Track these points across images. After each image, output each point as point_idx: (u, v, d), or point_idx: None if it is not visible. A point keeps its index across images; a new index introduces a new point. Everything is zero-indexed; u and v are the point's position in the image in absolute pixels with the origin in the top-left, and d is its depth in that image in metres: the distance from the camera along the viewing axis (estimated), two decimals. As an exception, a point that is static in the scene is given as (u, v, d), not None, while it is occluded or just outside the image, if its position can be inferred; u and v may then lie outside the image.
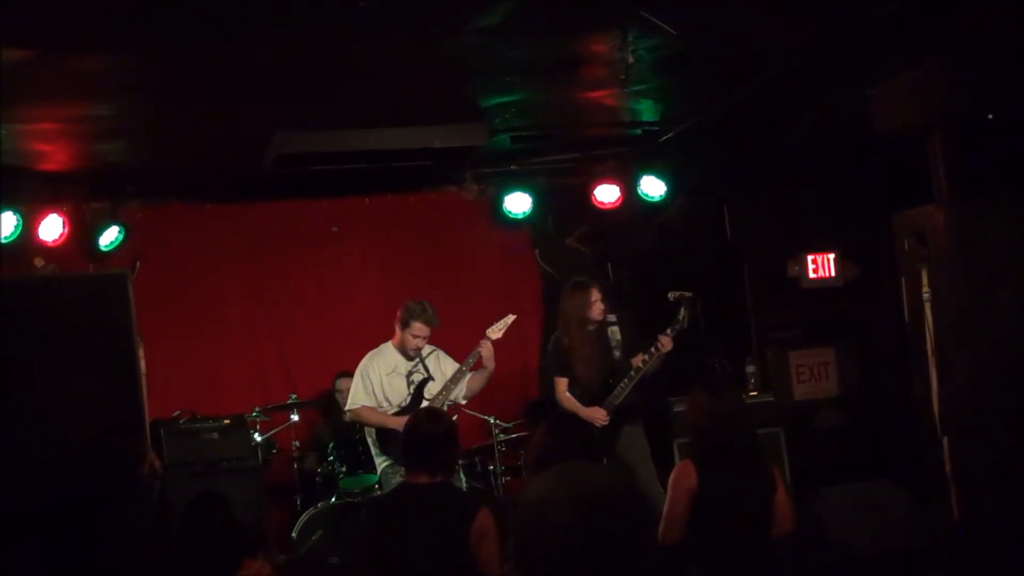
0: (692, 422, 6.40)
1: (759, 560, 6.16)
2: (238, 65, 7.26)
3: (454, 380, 9.02)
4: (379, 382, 9.08)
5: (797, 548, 7.45)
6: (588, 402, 8.98)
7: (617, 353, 9.08)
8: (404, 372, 9.11)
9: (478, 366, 9.11)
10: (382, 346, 9.25)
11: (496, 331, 9.11)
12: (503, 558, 5.70)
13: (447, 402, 8.98)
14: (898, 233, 10.14)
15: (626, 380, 8.88)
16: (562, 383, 9.14)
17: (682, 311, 8.77)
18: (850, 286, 11.06)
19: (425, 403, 8.91)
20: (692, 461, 6.21)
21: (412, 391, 9.07)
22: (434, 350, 9.21)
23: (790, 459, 9.50)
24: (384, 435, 9.01)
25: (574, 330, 9.08)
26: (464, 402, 9.31)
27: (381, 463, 9.11)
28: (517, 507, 2.53)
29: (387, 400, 9.08)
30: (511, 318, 9.22)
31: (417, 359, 9.10)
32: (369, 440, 9.25)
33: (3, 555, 6.91)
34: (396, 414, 8.95)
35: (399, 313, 9.08)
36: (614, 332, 9.12)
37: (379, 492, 9.04)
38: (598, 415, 8.91)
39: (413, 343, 9.00)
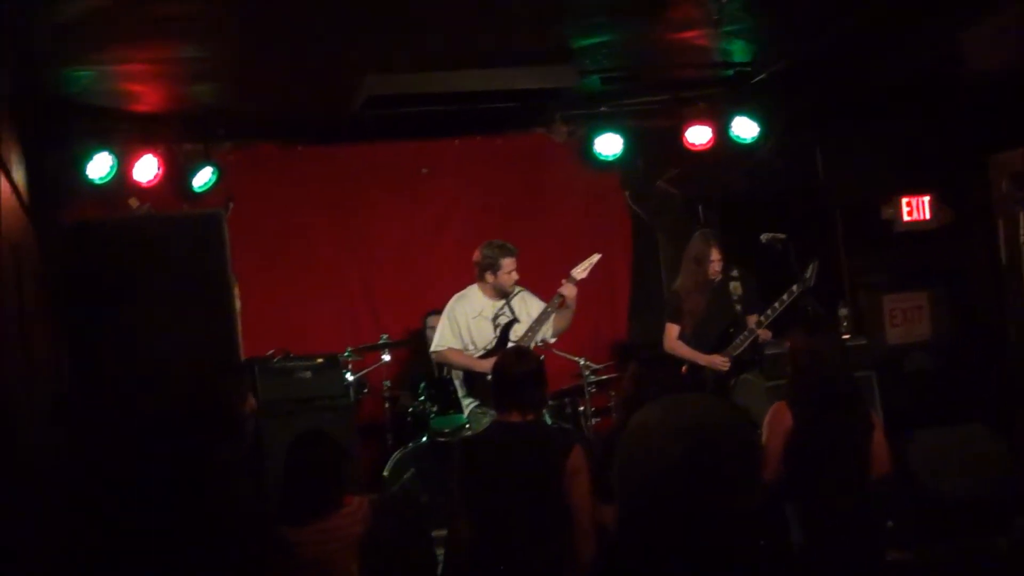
0: (791, 363, 6.37)
1: (854, 501, 6.14)
2: (328, 7, 7.27)
3: (539, 320, 9.02)
4: (465, 325, 9.12)
5: (890, 490, 7.43)
6: (704, 351, 9.00)
7: (738, 307, 9.09)
8: (490, 315, 9.13)
9: (563, 306, 9.10)
10: (467, 289, 9.27)
11: (581, 271, 9.08)
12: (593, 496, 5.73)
13: (535, 342, 8.99)
14: (994, 175, 10.02)
15: (746, 333, 8.91)
16: (674, 330, 9.16)
17: (810, 268, 8.74)
18: (945, 229, 10.91)
19: (511, 345, 8.93)
20: (787, 403, 6.19)
21: (498, 334, 9.10)
22: (520, 291, 9.21)
23: (883, 402, 9.41)
24: (471, 377, 9.06)
25: (690, 280, 9.09)
26: (553, 341, 9.31)
27: (468, 404, 9.16)
28: (622, 436, 2.52)
29: (473, 343, 9.11)
30: (596, 257, 9.18)
31: (503, 302, 9.11)
32: (456, 382, 9.30)
33: (109, 496, 7.04)
34: (482, 356, 8.99)
35: (478, 260, 9.09)
36: (736, 287, 9.13)
37: (468, 432, 9.08)
38: (718, 361, 8.94)
39: (510, 279, 9.02)
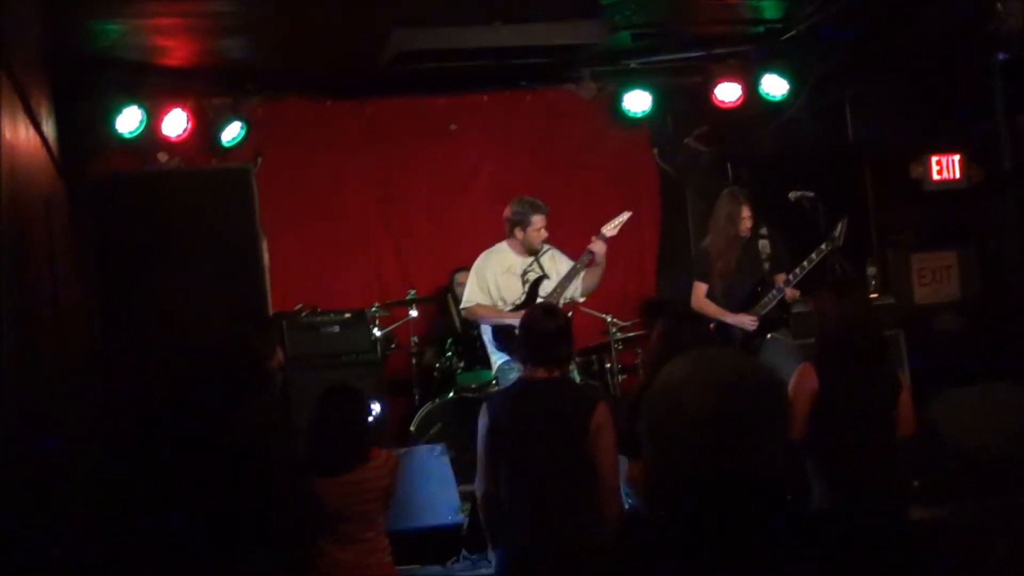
0: (819, 322, 6.36)
1: (880, 461, 6.13)
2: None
3: (568, 277, 9.01)
4: (494, 281, 9.12)
5: (917, 450, 7.42)
6: (732, 309, 8.99)
7: (766, 265, 9.06)
8: (519, 272, 9.12)
9: (591, 263, 9.09)
10: (497, 245, 9.26)
11: (611, 228, 9.06)
12: (618, 452, 5.74)
13: (563, 299, 8.99)
14: (1025, 135, 9.93)
15: (774, 292, 8.89)
16: (701, 288, 9.13)
17: (839, 226, 8.69)
18: (974, 188, 10.85)
19: (539, 301, 8.93)
20: (812, 363, 6.18)
21: (527, 290, 9.09)
22: (549, 248, 9.21)
23: (910, 362, 9.40)
24: (499, 331, 9.06)
25: (720, 238, 9.06)
26: (582, 299, 9.31)
27: (497, 360, 9.17)
28: (651, 391, 2.52)
29: (502, 299, 9.11)
30: (626, 215, 9.16)
31: (532, 258, 9.11)
32: (485, 338, 9.31)
33: (139, 446, 7.09)
34: (510, 312, 8.99)
35: (508, 216, 9.06)
36: (764, 246, 9.09)
37: (496, 387, 9.10)
38: (746, 320, 8.93)
39: (539, 236, 9.01)
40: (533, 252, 9.09)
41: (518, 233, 9.05)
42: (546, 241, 9.12)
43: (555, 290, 8.99)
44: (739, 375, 2.45)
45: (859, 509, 5.99)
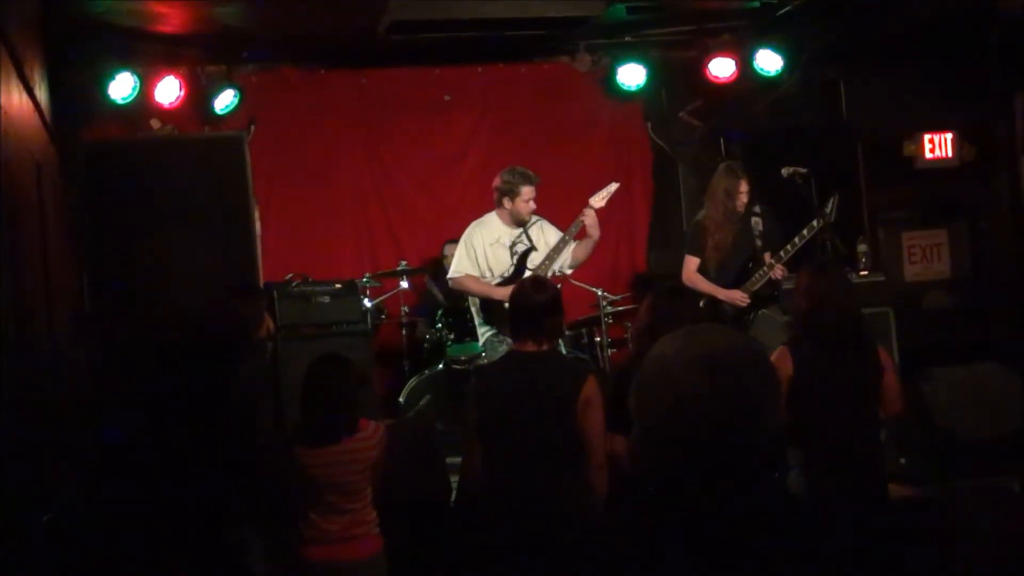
0: (793, 304, 6.38)
1: (858, 442, 6.15)
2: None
3: (557, 249, 9.00)
4: (483, 252, 9.10)
5: (904, 429, 7.46)
6: (724, 285, 8.99)
7: (759, 243, 9.05)
8: (507, 243, 9.11)
9: (582, 235, 9.08)
10: (486, 216, 9.25)
11: (599, 199, 9.04)
12: (606, 427, 5.75)
13: (552, 271, 8.99)
14: (1019, 113, 9.93)
15: (764, 269, 8.88)
16: (693, 262, 9.09)
17: (831, 202, 8.68)
18: (966, 167, 10.87)
19: (528, 273, 8.94)
20: (787, 347, 6.19)
21: (515, 261, 9.08)
22: (538, 220, 9.19)
23: (899, 340, 9.42)
24: (487, 305, 9.07)
25: (718, 213, 9.04)
26: (570, 272, 9.30)
27: (484, 333, 9.17)
28: (641, 365, 2.52)
29: (490, 270, 9.10)
30: (614, 186, 9.15)
31: (521, 230, 9.10)
32: (473, 309, 9.31)
33: (126, 414, 7.10)
34: (499, 284, 8.99)
35: (498, 186, 9.04)
36: (757, 223, 9.08)
37: (484, 360, 9.11)
38: (737, 296, 8.92)
39: (527, 207, 8.98)
40: (521, 223, 9.07)
41: (506, 203, 9.03)
42: (535, 212, 9.11)
43: (544, 262, 8.98)
44: (730, 351, 2.45)
45: (834, 491, 6.01)
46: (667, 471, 2.47)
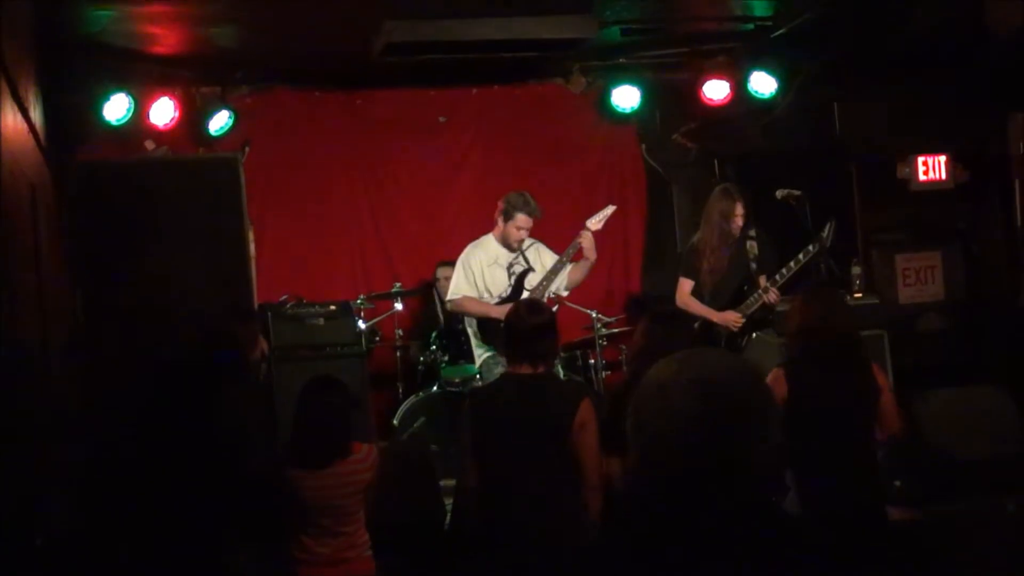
0: (787, 327, 6.38)
1: (854, 464, 6.15)
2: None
3: (554, 271, 9.03)
4: (480, 273, 9.12)
5: (898, 451, 7.45)
6: (718, 308, 8.97)
7: (753, 266, 9.04)
8: (505, 264, 9.13)
9: (578, 257, 9.10)
10: (483, 237, 9.27)
11: (596, 222, 9.06)
12: (600, 449, 5.75)
13: (548, 293, 8.99)
14: (1012, 135, 9.95)
15: (759, 292, 8.87)
16: (687, 285, 9.09)
17: (828, 227, 8.67)
18: (960, 189, 10.87)
19: (526, 294, 8.95)
20: (782, 368, 6.19)
21: (513, 282, 9.10)
22: (534, 243, 9.22)
23: (893, 362, 9.42)
24: (485, 325, 9.07)
25: (713, 236, 9.02)
26: (566, 294, 9.31)
27: (481, 354, 9.18)
28: (638, 389, 2.51)
29: (488, 291, 9.12)
30: (611, 209, 9.18)
31: (518, 251, 9.11)
32: (470, 331, 9.31)
33: (119, 434, 7.07)
34: (497, 304, 9.00)
35: (500, 205, 9.10)
36: (752, 246, 9.07)
37: (479, 382, 9.11)
38: (731, 318, 8.91)
39: (516, 235, 9.01)
40: (510, 248, 9.09)
41: (500, 223, 9.06)
42: (520, 242, 9.10)
43: (541, 283, 9.00)
44: (727, 374, 2.45)
45: (831, 513, 6.00)
46: (664, 493, 2.46)
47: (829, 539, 5.24)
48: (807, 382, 6.09)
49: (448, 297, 9.34)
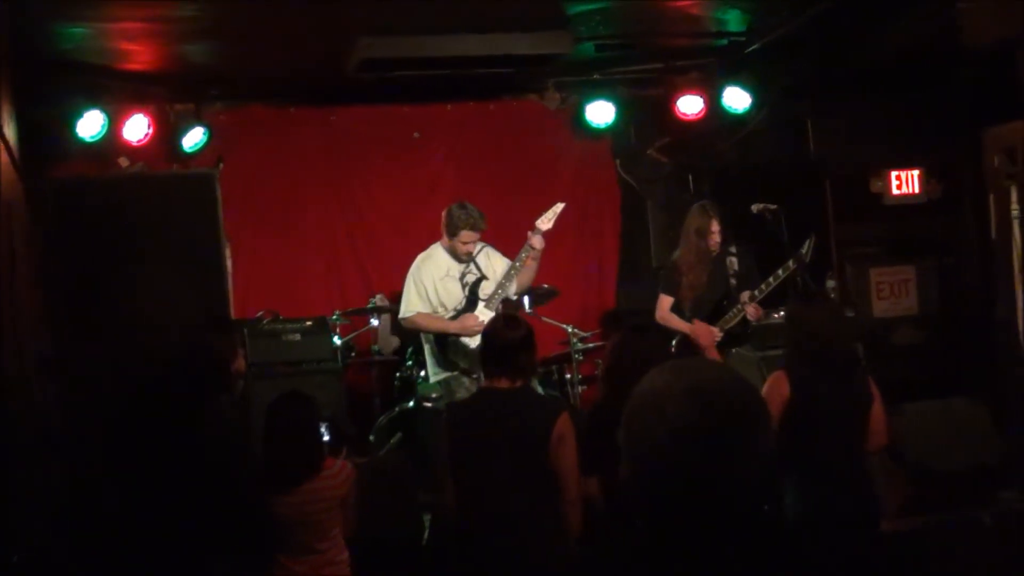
0: (790, 332, 6.39)
1: (851, 470, 6.17)
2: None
3: (508, 278, 8.97)
4: (433, 288, 9.05)
5: (887, 461, 7.47)
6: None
7: (733, 282, 9.05)
8: (457, 275, 9.05)
9: (531, 259, 9.04)
10: (431, 248, 9.21)
11: (545, 221, 8.99)
12: (579, 462, 5.74)
13: (504, 298, 8.94)
14: (987, 149, 10.00)
15: (737, 308, 8.87)
16: (667, 301, 9.08)
17: (807, 243, 8.68)
18: (934, 203, 10.92)
19: (480, 303, 8.92)
20: (785, 372, 6.21)
21: (467, 293, 9.04)
22: (484, 247, 9.16)
23: (869, 375, 9.45)
24: (442, 344, 9.01)
25: (691, 253, 9.03)
26: (515, 298, 9.23)
27: (436, 374, 9.11)
28: (630, 400, 2.51)
29: (442, 305, 9.05)
30: (560, 206, 9.10)
31: (468, 260, 9.07)
32: (427, 347, 9.24)
33: (97, 452, 7.04)
34: (452, 318, 8.97)
35: (443, 218, 9.05)
36: (732, 262, 9.08)
37: (437, 400, 9.05)
38: (709, 332, 8.90)
39: (464, 249, 8.96)
40: (459, 260, 9.06)
41: (446, 237, 9.03)
42: (469, 253, 9.08)
43: (496, 290, 8.95)
44: (720, 383, 2.45)
45: (831, 519, 6.02)
46: (658, 504, 2.45)
47: (822, 548, 5.27)
48: (809, 386, 6.12)
49: (401, 315, 9.22)
